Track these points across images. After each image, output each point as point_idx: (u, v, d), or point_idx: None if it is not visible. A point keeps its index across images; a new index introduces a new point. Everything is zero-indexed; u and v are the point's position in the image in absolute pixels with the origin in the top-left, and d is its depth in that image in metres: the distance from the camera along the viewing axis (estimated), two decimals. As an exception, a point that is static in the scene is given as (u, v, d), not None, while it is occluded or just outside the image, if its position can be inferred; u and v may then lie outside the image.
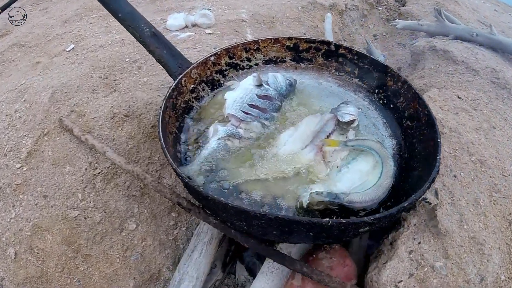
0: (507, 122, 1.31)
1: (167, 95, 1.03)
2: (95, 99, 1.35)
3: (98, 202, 1.14)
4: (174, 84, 1.07)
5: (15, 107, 1.35)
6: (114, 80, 1.42)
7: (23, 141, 1.26)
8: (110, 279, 1.07)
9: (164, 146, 0.89)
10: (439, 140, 0.92)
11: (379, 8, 2.05)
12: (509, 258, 0.97)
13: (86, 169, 1.17)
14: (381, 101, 1.15)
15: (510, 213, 1.04)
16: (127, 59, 1.49)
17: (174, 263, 1.12)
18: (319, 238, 0.82)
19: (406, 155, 1.03)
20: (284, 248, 0.96)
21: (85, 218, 1.13)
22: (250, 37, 1.54)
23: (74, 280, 1.10)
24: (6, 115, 1.33)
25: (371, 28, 1.94)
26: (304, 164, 0.98)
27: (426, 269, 0.87)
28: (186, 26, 1.61)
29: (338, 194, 0.87)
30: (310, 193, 0.87)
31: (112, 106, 1.28)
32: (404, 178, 0.98)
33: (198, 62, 1.14)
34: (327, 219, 0.69)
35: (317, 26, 1.66)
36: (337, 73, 1.22)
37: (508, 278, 0.94)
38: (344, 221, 0.70)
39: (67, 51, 1.74)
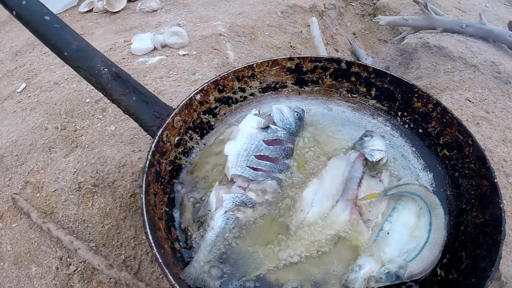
0: None
1: (147, 164, 0.64)
2: (53, 161, 0.89)
3: (79, 308, 0.73)
4: (153, 144, 0.66)
5: None
6: (75, 131, 0.96)
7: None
8: None
9: (159, 258, 0.51)
10: (496, 180, 0.63)
11: (353, 4, 1.67)
12: None
13: (57, 268, 0.75)
14: (406, 126, 0.82)
15: None
16: (88, 99, 1.02)
17: None
18: None
19: (448, 193, 0.72)
20: None
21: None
22: (231, 54, 1.11)
23: None
24: None
25: (349, 26, 1.58)
26: (340, 229, 0.64)
27: None
28: (155, 48, 1.14)
29: (397, 271, 0.58)
30: (367, 281, 0.54)
31: (75, 172, 0.84)
32: (454, 224, 0.68)
33: (182, 105, 0.73)
34: None
35: (301, 32, 1.27)
36: (349, 95, 0.86)
37: None
38: None
39: (18, 92, 1.22)
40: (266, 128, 0.73)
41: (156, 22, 1.38)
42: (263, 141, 0.72)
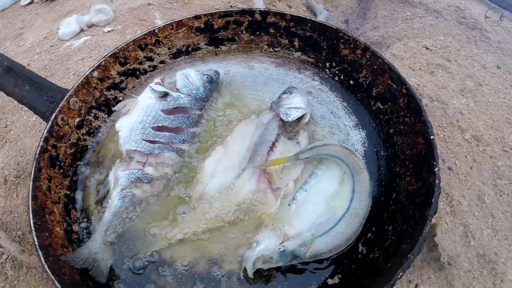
0: (487, 70, 0.99)
1: (37, 151, 0.69)
2: (-16, 158, 0.99)
3: (12, 296, 0.84)
4: (45, 130, 0.71)
5: None
6: (5, 127, 1.05)
7: None
8: None
9: (36, 242, 0.57)
10: (432, 137, 0.58)
11: None
12: None
13: (-11, 259, 0.86)
14: (336, 78, 0.78)
15: None
16: (17, 94, 1.11)
17: None
18: None
19: (383, 153, 0.69)
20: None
21: (3, 321, 0.83)
22: (159, 23, 1.12)
23: None
24: None
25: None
26: (244, 201, 0.65)
27: None
28: (82, 30, 1.19)
29: (295, 249, 0.56)
30: (254, 261, 0.55)
31: (2, 167, 0.93)
32: (386, 190, 0.65)
33: (77, 85, 0.77)
34: None
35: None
36: (271, 50, 0.84)
37: None
38: None
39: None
40: (164, 96, 0.75)
41: (91, 1, 1.42)
42: (162, 110, 0.74)
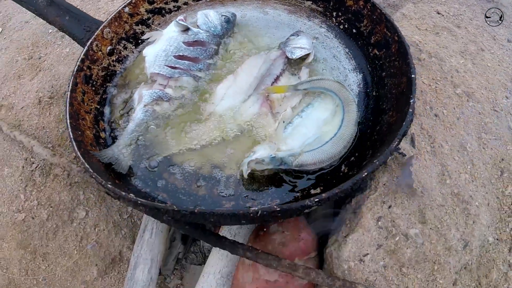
0: (496, 41, 1.05)
1: (75, 69, 0.84)
2: (21, 85, 1.16)
3: (41, 198, 1.01)
4: (82, 53, 0.86)
5: None
6: (39, 58, 1.21)
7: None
8: (73, 271, 0.99)
9: (71, 135, 0.72)
10: (413, 76, 0.68)
11: None
12: (500, 215, 0.79)
13: (23, 167, 1.03)
14: (341, 26, 0.89)
15: (502, 159, 0.84)
16: (50, 30, 1.27)
17: (133, 241, 1.02)
18: (256, 222, 0.65)
19: (374, 94, 0.81)
20: (234, 227, 0.81)
21: (33, 218, 1.01)
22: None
23: (40, 280, 1.02)
24: None
25: None
26: (248, 121, 0.79)
27: (397, 238, 0.71)
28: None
29: (285, 157, 0.68)
30: (249, 162, 0.68)
31: (37, 90, 1.10)
32: (372, 124, 0.77)
33: (110, 18, 0.91)
34: (254, 208, 0.52)
35: None
36: (285, -3, 0.95)
37: (497, 239, 0.77)
38: (278, 209, 0.52)
39: (-5, 36, 1.52)
40: (186, 30, 0.88)
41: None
42: (183, 42, 0.87)
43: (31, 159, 1.03)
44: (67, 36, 1.21)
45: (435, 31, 1.05)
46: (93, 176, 0.65)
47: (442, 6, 1.15)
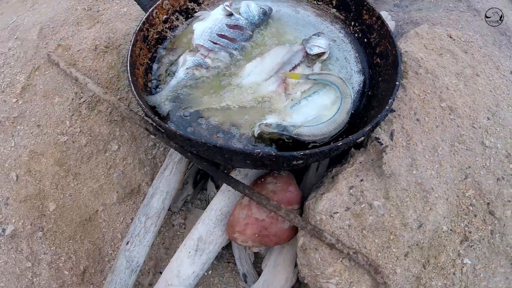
0: (499, 70, 1.25)
1: (137, 28, 1.10)
2: (79, 31, 1.44)
3: (84, 127, 1.30)
4: (144, 17, 1.13)
5: (8, 45, 1.48)
6: (97, 11, 1.49)
7: (17, 77, 1.41)
8: (97, 193, 1.28)
9: (130, 79, 0.99)
10: (397, 83, 0.94)
11: None
12: (457, 211, 0.98)
13: (72, 99, 1.32)
14: (356, 35, 1.15)
15: (469, 167, 1.02)
16: (110, -11, 1.54)
17: (152, 179, 1.30)
18: (257, 166, 0.92)
19: (369, 93, 1.07)
20: (243, 171, 1.09)
21: (73, 142, 1.30)
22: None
23: (67, 195, 1.31)
24: (1, 54, 1.47)
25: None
26: (265, 95, 1.05)
27: (363, 205, 0.92)
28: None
29: (287, 126, 0.94)
30: (260, 124, 0.95)
31: (94, 38, 1.37)
32: (362, 116, 1.03)
33: (170, -9, 1.18)
34: (258, 150, 0.78)
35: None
36: (315, 2, 1.21)
37: (451, 230, 0.95)
38: (273, 154, 0.78)
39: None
40: (230, 15, 1.15)
41: None
42: (226, 24, 1.14)
43: (81, 94, 1.32)
44: (125, -3, 1.50)
45: (440, 52, 1.27)
46: (145, 110, 0.92)
47: (457, 31, 1.33)
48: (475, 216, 0.99)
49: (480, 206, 1.00)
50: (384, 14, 1.46)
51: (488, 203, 1.00)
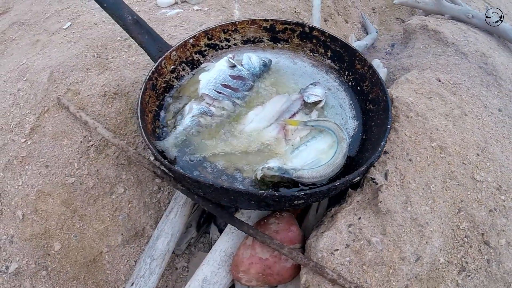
0: (487, 108, 1.44)
1: (147, 77, 1.29)
2: (88, 77, 1.63)
3: (91, 170, 1.45)
4: (153, 67, 1.32)
5: (18, 86, 1.66)
6: (106, 59, 1.69)
7: (26, 118, 1.58)
8: (102, 235, 1.40)
9: (140, 125, 1.16)
10: (388, 126, 1.11)
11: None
12: (453, 244, 1.08)
13: (81, 142, 1.48)
14: (349, 83, 1.34)
15: (461, 201, 1.14)
16: (119, 38, 1.76)
17: (156, 222, 1.43)
18: (260, 206, 1.06)
19: (363, 137, 1.24)
20: (246, 213, 1.23)
21: (81, 184, 1.44)
22: (237, 13, 1.74)
23: (72, 236, 1.43)
24: (10, 94, 1.65)
25: (371, 0, 2.06)
26: (267, 141, 1.22)
27: (362, 242, 1.03)
28: (176, 2, 1.83)
29: (288, 169, 1.10)
30: (262, 168, 1.11)
31: (103, 85, 1.56)
32: (357, 159, 1.19)
33: (178, 45, 1.38)
34: (262, 191, 0.93)
35: None
36: (311, 54, 1.42)
37: (448, 261, 1.05)
38: (276, 194, 0.93)
39: (64, 28, 2.03)
40: (233, 66, 1.34)
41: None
42: (229, 75, 1.33)
43: (89, 137, 1.48)
44: (133, 46, 1.71)
45: (429, 96, 1.45)
46: (155, 154, 1.08)
47: (445, 74, 1.54)
48: (471, 247, 1.12)
49: (475, 237, 1.13)
50: (376, 62, 1.68)
51: (483, 234, 1.13)
